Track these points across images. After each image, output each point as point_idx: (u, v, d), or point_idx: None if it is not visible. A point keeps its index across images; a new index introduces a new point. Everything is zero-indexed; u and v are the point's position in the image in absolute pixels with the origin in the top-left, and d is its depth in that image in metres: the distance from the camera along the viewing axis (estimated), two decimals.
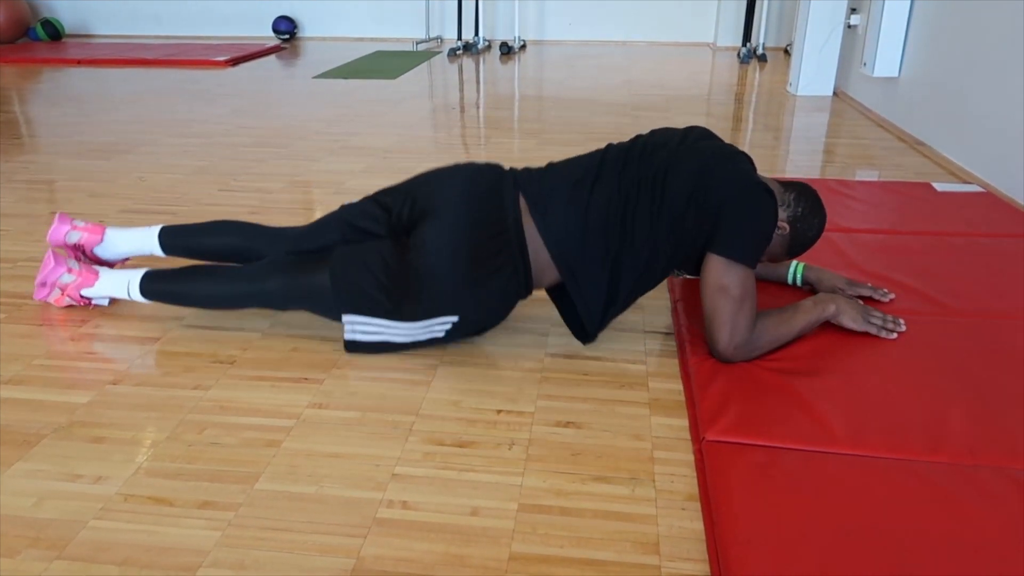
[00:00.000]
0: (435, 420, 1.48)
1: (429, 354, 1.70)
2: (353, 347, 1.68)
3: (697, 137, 1.67)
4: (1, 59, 5.76)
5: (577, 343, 1.74)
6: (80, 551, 1.16)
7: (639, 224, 1.56)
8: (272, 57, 6.13)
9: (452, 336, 1.66)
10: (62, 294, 1.86)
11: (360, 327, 1.66)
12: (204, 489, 1.29)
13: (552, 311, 1.88)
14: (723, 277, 1.52)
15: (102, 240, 1.92)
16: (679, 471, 1.34)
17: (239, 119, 3.99)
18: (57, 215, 1.93)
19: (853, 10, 4.35)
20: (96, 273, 1.84)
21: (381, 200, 1.73)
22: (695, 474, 1.33)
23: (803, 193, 1.66)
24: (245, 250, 1.81)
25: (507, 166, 1.75)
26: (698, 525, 1.21)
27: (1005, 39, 2.82)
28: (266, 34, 7.04)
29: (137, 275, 1.78)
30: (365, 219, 1.72)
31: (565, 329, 1.77)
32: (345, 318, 1.65)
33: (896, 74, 3.79)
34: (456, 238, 1.58)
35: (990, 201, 2.59)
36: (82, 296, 1.86)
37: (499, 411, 1.51)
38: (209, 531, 1.20)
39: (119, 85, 4.94)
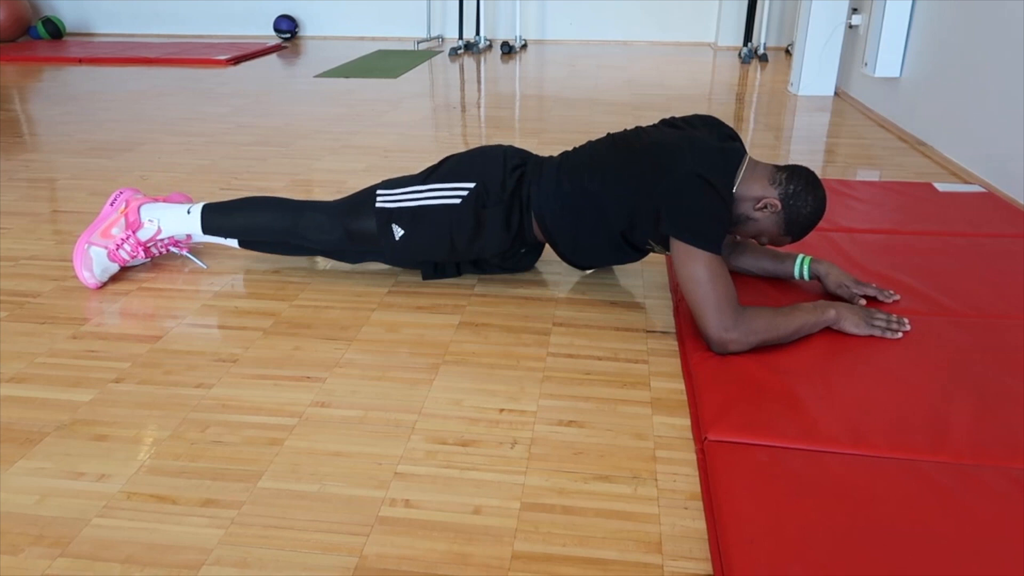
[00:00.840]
0: (437, 419, 1.48)
1: (431, 353, 1.70)
2: (380, 216, 1.88)
3: (694, 123, 1.82)
4: (2, 57, 5.77)
5: (579, 342, 1.74)
6: (83, 549, 1.16)
7: (596, 176, 1.78)
8: (273, 56, 6.13)
9: (466, 208, 1.83)
10: (123, 211, 1.98)
11: (388, 197, 1.89)
12: (207, 487, 1.29)
13: (553, 310, 1.88)
14: (687, 266, 1.58)
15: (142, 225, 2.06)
16: (681, 470, 1.34)
17: (240, 118, 3.99)
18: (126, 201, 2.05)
19: (854, 10, 4.35)
20: (140, 222, 2.01)
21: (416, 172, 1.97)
22: (697, 473, 1.33)
23: (796, 172, 1.68)
24: (288, 226, 1.99)
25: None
26: (700, 524, 1.21)
27: (1007, 39, 2.82)
28: (267, 33, 7.05)
29: (199, 204, 2.02)
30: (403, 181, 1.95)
31: (567, 328, 1.78)
32: (378, 192, 1.90)
33: (897, 74, 3.79)
34: (480, 157, 1.91)
35: (992, 201, 2.59)
36: (137, 216, 1.99)
37: (501, 410, 1.51)
38: (212, 529, 1.20)
39: (120, 84, 4.94)
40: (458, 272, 2.04)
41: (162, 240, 2.06)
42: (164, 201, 2.05)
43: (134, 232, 1.99)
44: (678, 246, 1.60)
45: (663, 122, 1.87)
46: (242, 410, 1.50)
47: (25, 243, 2.31)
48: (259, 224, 1.99)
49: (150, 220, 2.00)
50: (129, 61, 5.71)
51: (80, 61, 5.73)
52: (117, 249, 1.98)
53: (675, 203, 1.63)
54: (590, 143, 1.91)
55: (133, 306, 1.92)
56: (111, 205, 2.02)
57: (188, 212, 1.99)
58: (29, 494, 1.27)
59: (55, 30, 6.74)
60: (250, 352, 1.71)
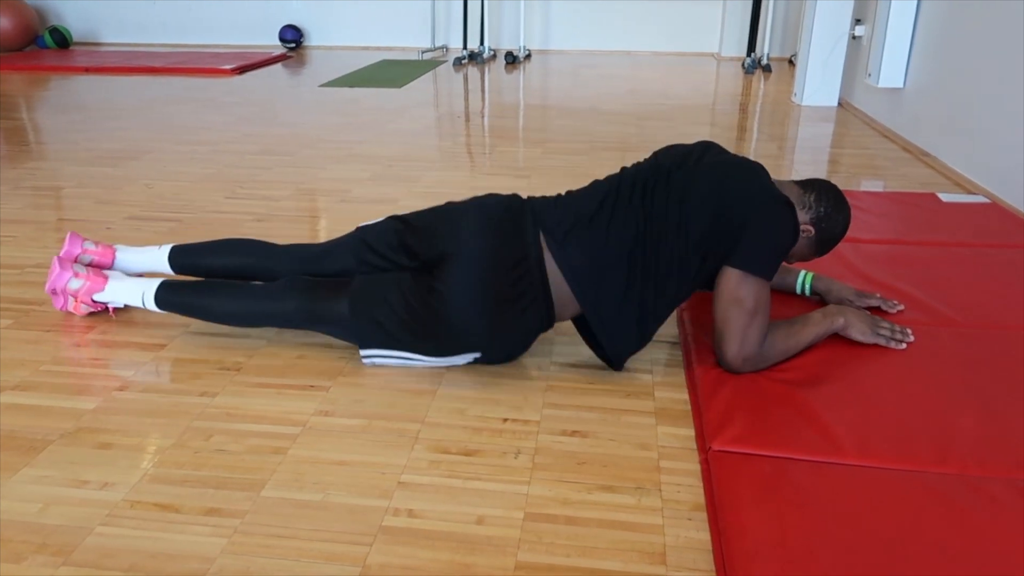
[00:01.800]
0: (441, 428, 1.48)
1: None
2: (371, 364, 1.69)
3: (711, 154, 1.66)
4: (9, 66, 5.80)
5: (583, 352, 1.73)
6: (86, 557, 1.16)
7: (663, 250, 1.53)
8: (278, 65, 6.15)
9: (472, 364, 1.67)
10: (76, 301, 1.86)
11: (378, 358, 1.67)
12: (210, 496, 1.29)
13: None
14: (738, 289, 1.51)
15: (113, 263, 1.93)
16: (685, 481, 1.34)
17: (245, 127, 4.01)
18: (68, 236, 1.92)
19: (858, 21, 4.36)
20: (105, 277, 1.84)
21: (399, 230, 1.69)
22: (701, 484, 1.32)
23: (824, 192, 1.64)
24: (257, 269, 1.81)
25: (518, 183, 1.72)
26: (704, 535, 1.21)
27: (1010, 50, 2.83)
28: (272, 43, 7.08)
29: (152, 285, 1.78)
30: (383, 246, 1.69)
31: (571, 338, 1.77)
32: (363, 352, 1.66)
33: (901, 85, 3.80)
34: (479, 284, 1.55)
35: (996, 212, 2.58)
36: (95, 301, 1.85)
37: (505, 420, 1.51)
38: (215, 538, 1.20)
39: (126, 93, 4.96)
40: None
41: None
42: (99, 276, 1.85)
43: (104, 308, 1.89)
44: (733, 270, 1.52)
45: (675, 155, 1.66)
46: (246, 419, 1.50)
47: (30, 251, 2.32)
48: (217, 312, 1.76)
49: (110, 305, 1.87)
50: (135, 70, 5.74)
51: (87, 70, 5.76)
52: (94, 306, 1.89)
53: (760, 231, 1.52)
54: (591, 205, 1.59)
55: (137, 315, 1.92)
56: (55, 294, 1.86)
57: (144, 304, 1.79)
58: (32, 502, 1.27)
59: (62, 39, 6.78)
60: (254, 360, 1.71)
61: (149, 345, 1.78)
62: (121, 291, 1.83)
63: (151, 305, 1.78)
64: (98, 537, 1.20)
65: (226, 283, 1.79)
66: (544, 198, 1.68)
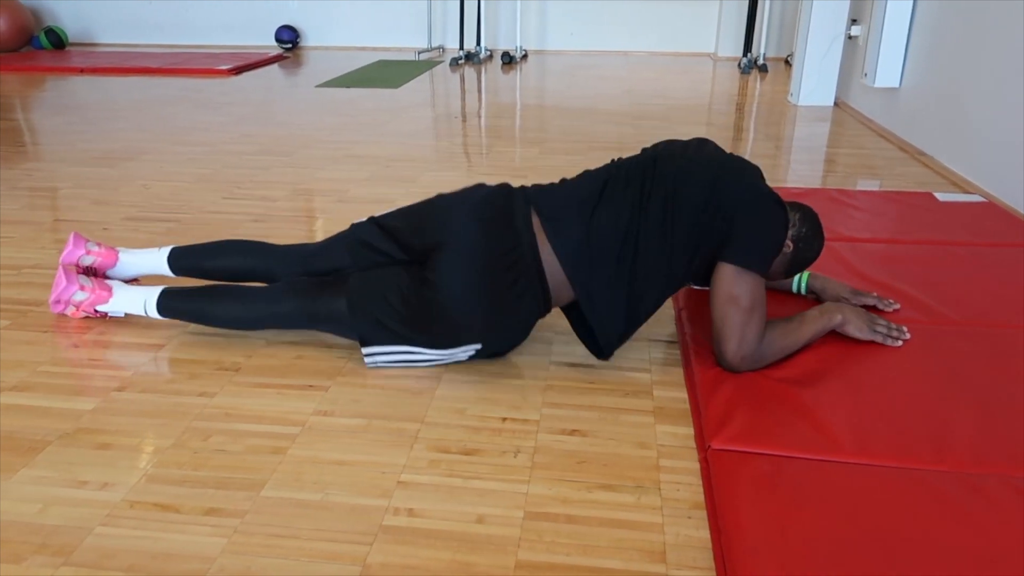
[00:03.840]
0: (440, 428, 1.48)
1: None
2: (373, 366, 1.68)
3: (707, 149, 1.68)
4: (5, 67, 5.79)
5: (581, 351, 1.74)
6: (86, 557, 1.16)
7: (654, 238, 1.55)
8: (275, 66, 6.15)
9: (474, 359, 1.67)
10: (77, 310, 1.86)
11: (380, 356, 1.66)
12: (210, 496, 1.29)
13: (555, 319, 1.88)
14: (734, 287, 1.52)
15: (116, 265, 1.93)
16: (684, 479, 1.34)
17: (242, 127, 4.00)
18: (72, 236, 1.92)
19: (854, 21, 4.37)
20: (110, 289, 1.84)
21: (391, 225, 1.70)
22: (700, 482, 1.33)
23: (807, 215, 1.68)
24: (255, 270, 1.82)
25: (515, 183, 1.72)
26: (704, 533, 1.21)
27: (1006, 49, 2.84)
28: (269, 43, 7.07)
29: (154, 293, 1.79)
30: (376, 240, 1.71)
31: (569, 337, 1.77)
32: (365, 350, 1.65)
33: (897, 84, 3.81)
34: (473, 274, 1.56)
35: (992, 211, 2.59)
36: (97, 311, 1.86)
37: (504, 419, 1.51)
38: (215, 538, 1.20)
39: (122, 93, 4.95)
40: None
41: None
42: (104, 288, 1.85)
43: (103, 316, 1.89)
44: (728, 267, 1.53)
45: (670, 148, 1.69)
46: (245, 419, 1.50)
47: (28, 252, 2.31)
48: (219, 317, 1.77)
49: (112, 313, 1.87)
50: (131, 71, 5.73)
51: (82, 71, 5.75)
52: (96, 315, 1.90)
53: (750, 226, 1.53)
54: (585, 192, 1.61)
55: (140, 316, 1.91)
56: (57, 303, 1.85)
57: (146, 313, 1.80)
58: (32, 503, 1.27)
59: (57, 40, 6.77)
60: (253, 361, 1.71)
61: (147, 346, 1.78)
62: (124, 302, 1.83)
63: (153, 313, 1.79)
64: (98, 537, 1.20)
65: (226, 287, 1.79)
66: (538, 185, 1.70)
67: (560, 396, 1.59)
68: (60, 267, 1.86)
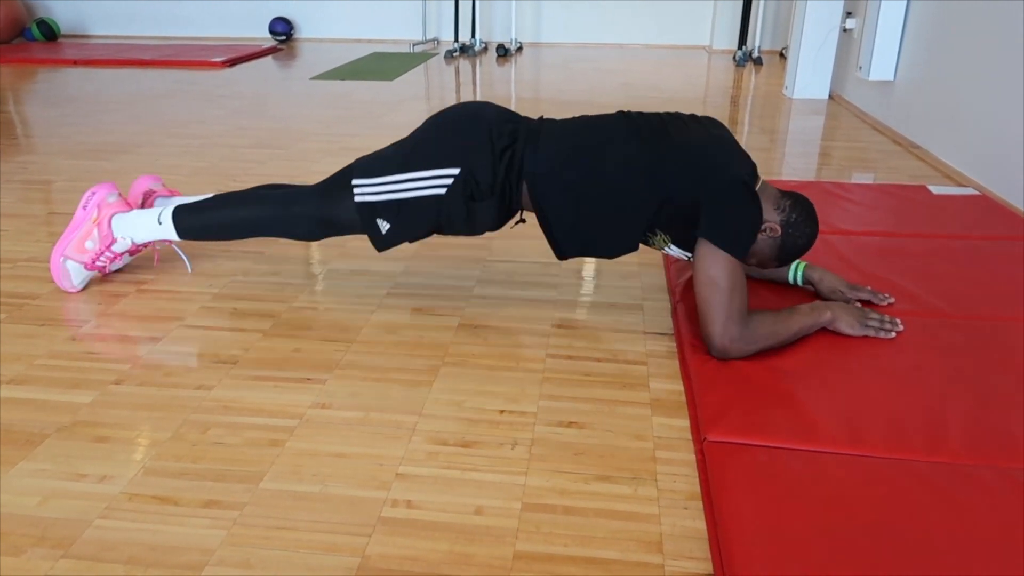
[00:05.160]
0: (438, 420, 1.48)
1: (431, 355, 1.71)
2: (364, 211, 1.75)
3: (714, 125, 1.75)
4: None
5: (578, 344, 1.75)
6: (85, 550, 1.16)
7: (618, 156, 1.67)
8: (269, 58, 6.13)
9: (452, 198, 1.70)
10: (95, 221, 1.92)
11: (367, 187, 1.74)
12: (208, 488, 1.29)
13: (552, 312, 1.89)
14: (711, 268, 1.56)
15: (169, 198, 2.07)
16: (681, 471, 1.35)
17: (237, 120, 3.99)
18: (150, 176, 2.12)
19: (849, 14, 4.38)
20: (130, 207, 1.97)
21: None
22: (697, 474, 1.34)
23: (799, 202, 1.68)
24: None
25: None
26: (700, 524, 1.22)
27: (1001, 42, 2.85)
28: (263, 35, 7.05)
29: (170, 206, 1.91)
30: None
31: (566, 330, 1.78)
32: (354, 182, 1.75)
33: (892, 78, 3.82)
34: (471, 109, 1.77)
35: (986, 204, 2.61)
36: (109, 230, 1.92)
37: (501, 411, 1.51)
38: (214, 530, 1.20)
39: (116, 86, 4.93)
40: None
41: (139, 246, 2.00)
42: (133, 200, 2.05)
43: (108, 247, 1.94)
44: (705, 247, 1.58)
45: (674, 116, 1.77)
46: (243, 412, 1.51)
47: (23, 245, 2.31)
48: (237, 222, 1.88)
49: (122, 237, 1.94)
50: (124, 63, 5.70)
51: (75, 63, 5.72)
52: (93, 262, 1.95)
53: (718, 206, 1.59)
54: (593, 120, 1.77)
55: (132, 308, 1.92)
56: (84, 209, 1.95)
57: (160, 222, 1.89)
58: (31, 495, 1.27)
59: (50, 32, 6.73)
60: (250, 354, 1.72)
61: (144, 339, 1.78)
62: (140, 216, 1.93)
63: (167, 222, 1.88)
64: (97, 530, 1.20)
65: (237, 195, 1.92)
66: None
67: (557, 388, 1.59)
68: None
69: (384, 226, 1.76)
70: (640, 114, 1.78)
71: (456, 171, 1.69)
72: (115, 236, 1.93)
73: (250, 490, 1.29)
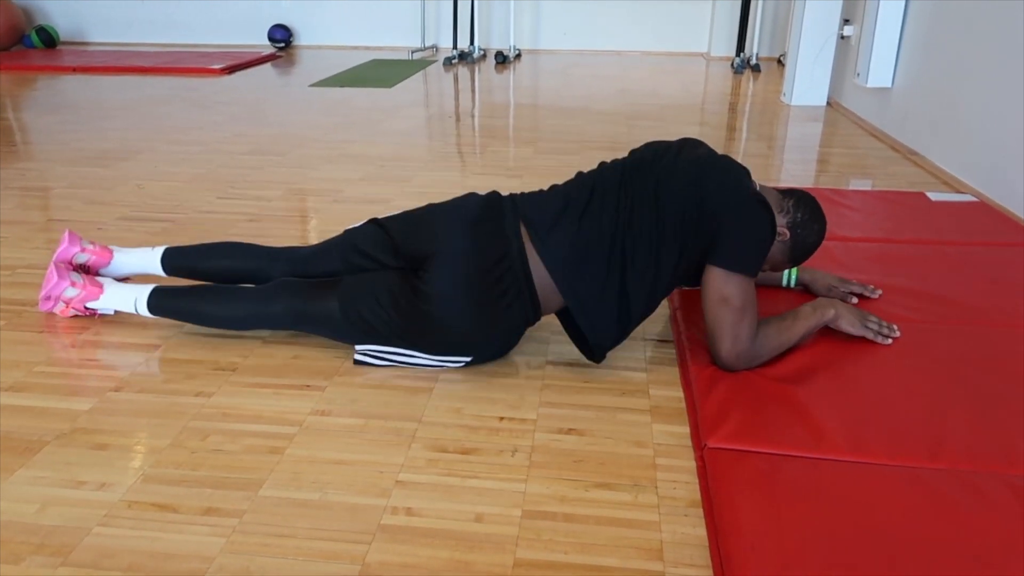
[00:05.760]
0: (438, 427, 1.48)
1: None
2: (363, 363, 1.69)
3: (690, 149, 1.67)
4: None
5: (577, 351, 1.74)
6: (84, 557, 1.16)
7: (640, 242, 1.55)
8: (268, 65, 6.14)
9: (465, 366, 1.68)
10: (67, 307, 1.86)
11: (370, 355, 1.68)
12: (208, 495, 1.29)
13: (552, 318, 1.89)
14: (724, 288, 1.53)
15: (110, 263, 1.93)
16: (681, 478, 1.35)
17: (236, 127, 3.99)
18: (66, 234, 1.92)
19: (846, 21, 4.39)
20: (100, 287, 1.84)
21: (388, 228, 1.71)
22: (697, 481, 1.34)
23: (802, 200, 1.67)
24: (248, 272, 1.81)
25: (509, 182, 1.74)
26: (701, 531, 1.22)
27: (998, 49, 2.86)
28: (262, 42, 7.06)
29: (145, 291, 1.79)
30: (368, 244, 1.71)
31: (566, 337, 1.78)
32: (357, 347, 1.68)
33: (889, 84, 3.83)
34: (462, 285, 1.57)
35: (984, 210, 2.61)
36: (87, 308, 1.86)
37: (501, 418, 1.51)
38: (214, 537, 1.20)
39: (114, 92, 4.94)
40: None
41: None
42: (95, 285, 1.85)
43: (92, 314, 1.88)
44: (717, 269, 1.53)
45: (655, 150, 1.68)
46: (242, 419, 1.51)
47: (22, 252, 2.31)
48: (208, 316, 1.77)
49: (104, 311, 1.87)
50: (123, 70, 5.71)
51: (74, 70, 5.72)
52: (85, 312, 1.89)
53: (735, 229, 1.53)
54: (574, 199, 1.61)
55: (131, 315, 1.91)
56: (48, 300, 1.85)
57: (136, 310, 1.79)
58: (30, 503, 1.27)
59: (49, 39, 6.74)
60: (249, 361, 1.71)
61: (143, 346, 1.78)
62: (115, 299, 1.83)
63: (143, 310, 1.79)
64: (96, 537, 1.20)
65: (216, 287, 1.79)
66: (524, 193, 1.70)
67: (557, 395, 1.59)
68: (52, 264, 1.86)
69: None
70: (618, 166, 1.66)
71: (468, 358, 1.66)
72: (99, 312, 1.88)
73: (249, 497, 1.29)
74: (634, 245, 1.55)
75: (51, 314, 1.90)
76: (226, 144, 3.64)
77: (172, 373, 1.66)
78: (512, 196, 1.69)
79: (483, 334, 1.62)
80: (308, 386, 1.62)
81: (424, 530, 1.22)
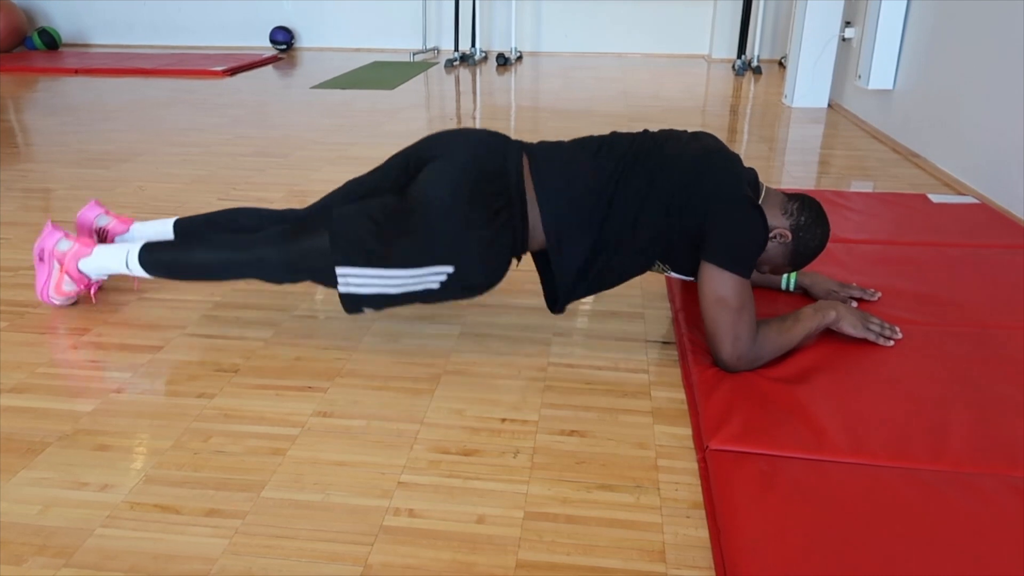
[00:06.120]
0: (439, 428, 1.48)
1: (432, 363, 1.71)
2: (348, 301, 1.62)
3: (704, 139, 1.69)
4: None
5: (580, 352, 1.75)
6: (87, 559, 1.16)
7: (627, 200, 1.59)
8: (269, 67, 6.14)
9: (446, 291, 1.62)
10: (60, 272, 1.84)
11: (353, 279, 1.59)
12: (210, 497, 1.29)
13: (554, 320, 1.89)
14: (719, 289, 1.54)
15: (128, 231, 1.97)
16: (683, 479, 1.35)
17: (238, 129, 4.00)
18: (90, 202, 1.99)
19: (848, 23, 4.39)
20: (92, 244, 1.84)
21: (386, 164, 1.79)
22: (699, 482, 1.34)
23: (807, 204, 1.67)
24: (255, 231, 1.80)
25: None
26: (703, 533, 1.22)
27: (1000, 51, 2.86)
28: (263, 44, 7.06)
29: (136, 246, 1.76)
30: (370, 178, 1.78)
31: (568, 339, 1.78)
32: (338, 270, 1.59)
33: (891, 86, 3.83)
34: (457, 175, 1.60)
35: (985, 212, 2.61)
36: (80, 272, 1.84)
37: (503, 419, 1.51)
38: (216, 539, 1.20)
39: (116, 94, 4.94)
40: None
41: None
42: (84, 234, 1.91)
43: (87, 285, 1.89)
44: (710, 268, 1.55)
45: (671, 132, 1.72)
46: (244, 420, 1.51)
47: (24, 253, 2.31)
48: (199, 264, 1.75)
49: (98, 276, 1.88)
50: (125, 72, 5.72)
51: (76, 72, 5.73)
52: (78, 293, 1.91)
53: (723, 229, 1.55)
54: (579, 149, 1.68)
55: (133, 316, 1.92)
56: (40, 262, 1.86)
57: (128, 267, 1.77)
58: (32, 504, 1.27)
59: (51, 41, 6.75)
60: (251, 362, 1.72)
61: (145, 347, 1.78)
62: (106, 256, 1.81)
63: (135, 266, 1.75)
64: (99, 539, 1.20)
65: (206, 235, 1.82)
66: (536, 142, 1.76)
67: (559, 397, 1.59)
68: (48, 222, 1.88)
69: (369, 311, 1.69)
70: (630, 138, 1.70)
71: (450, 269, 1.59)
72: (91, 279, 1.88)
73: (252, 499, 1.29)
74: (621, 206, 1.59)
75: (54, 316, 1.90)
76: (228, 146, 3.64)
77: (174, 374, 1.67)
78: (520, 140, 1.75)
79: (467, 234, 1.58)
80: (310, 387, 1.62)
81: (426, 531, 1.22)
